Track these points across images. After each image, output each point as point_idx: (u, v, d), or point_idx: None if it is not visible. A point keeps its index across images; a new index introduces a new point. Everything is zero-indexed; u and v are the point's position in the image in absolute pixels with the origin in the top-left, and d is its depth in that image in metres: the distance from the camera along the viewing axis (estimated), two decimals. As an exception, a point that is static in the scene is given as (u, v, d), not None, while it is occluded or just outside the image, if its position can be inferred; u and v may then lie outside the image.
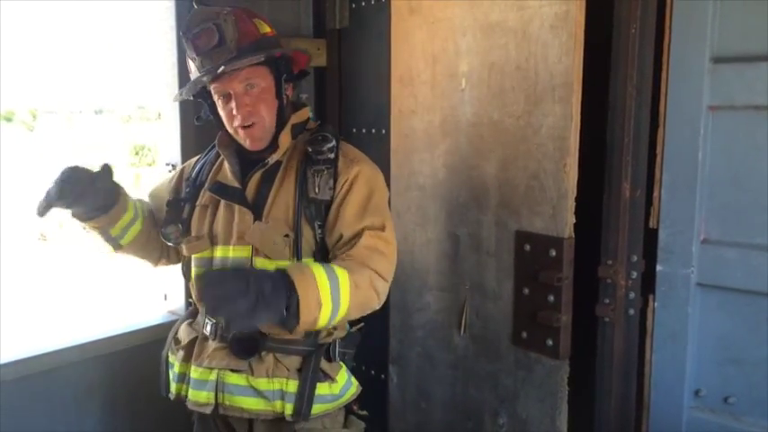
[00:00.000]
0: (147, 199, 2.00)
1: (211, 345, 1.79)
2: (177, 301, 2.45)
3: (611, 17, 1.89)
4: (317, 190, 1.71)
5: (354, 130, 2.60)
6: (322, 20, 2.66)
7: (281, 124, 1.77)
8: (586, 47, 1.87)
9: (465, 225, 2.16)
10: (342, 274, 1.60)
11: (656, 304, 1.94)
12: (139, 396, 2.34)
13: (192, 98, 1.80)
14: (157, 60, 2.40)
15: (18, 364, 2.07)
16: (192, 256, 1.83)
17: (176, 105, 2.35)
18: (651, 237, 1.93)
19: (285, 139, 1.77)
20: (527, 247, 2.00)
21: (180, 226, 1.83)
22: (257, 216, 1.74)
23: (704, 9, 1.79)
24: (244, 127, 1.71)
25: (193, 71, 1.72)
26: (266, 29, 1.75)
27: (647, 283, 1.95)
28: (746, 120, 1.78)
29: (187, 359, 1.84)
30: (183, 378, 1.85)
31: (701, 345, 1.90)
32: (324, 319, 1.57)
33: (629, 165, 1.90)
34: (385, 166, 2.35)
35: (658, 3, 1.85)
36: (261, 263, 1.72)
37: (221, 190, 1.80)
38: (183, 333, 1.90)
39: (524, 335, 2.03)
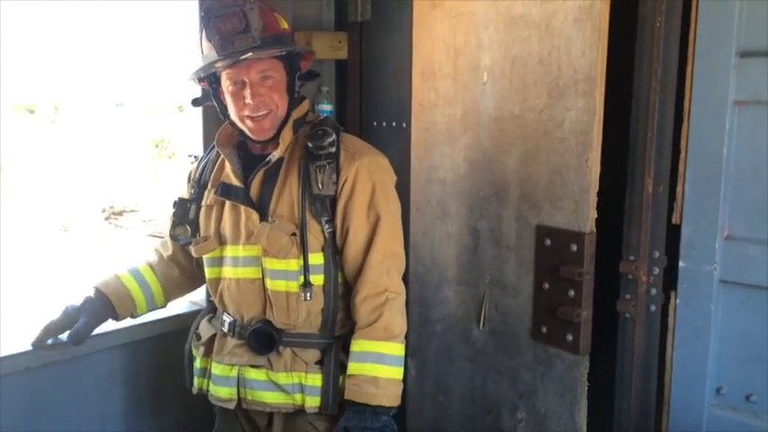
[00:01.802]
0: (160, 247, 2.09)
1: (230, 341, 1.84)
2: (198, 292, 2.47)
3: (635, 10, 1.88)
4: (320, 185, 1.72)
5: (375, 124, 2.61)
6: (344, 13, 2.66)
7: (285, 120, 1.78)
8: (610, 41, 1.86)
9: (485, 219, 2.16)
10: (379, 347, 1.73)
11: (677, 301, 1.92)
12: (161, 385, 2.37)
13: (196, 80, 1.79)
14: (180, 53, 2.41)
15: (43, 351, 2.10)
16: (204, 257, 1.87)
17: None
18: (674, 233, 1.92)
19: (287, 135, 1.77)
20: (548, 242, 1.99)
21: (188, 227, 1.86)
22: (263, 215, 1.76)
23: (731, 2, 1.76)
24: (252, 117, 1.72)
25: (207, 52, 1.70)
26: (284, 24, 1.77)
27: (669, 280, 1.93)
28: (773, 115, 1.76)
29: (208, 354, 1.89)
30: (205, 373, 1.90)
31: (723, 342, 1.88)
32: (401, 374, 1.78)
33: (652, 160, 1.88)
34: (405, 160, 2.35)
35: (684, -4, 1.83)
36: (269, 263, 1.76)
37: (226, 191, 1.82)
38: (204, 329, 1.95)
39: (544, 330, 2.02)
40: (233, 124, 1.79)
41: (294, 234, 1.74)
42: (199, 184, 1.90)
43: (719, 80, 1.80)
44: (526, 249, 2.06)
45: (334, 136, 1.74)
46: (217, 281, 1.87)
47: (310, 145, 1.73)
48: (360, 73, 2.65)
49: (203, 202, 1.88)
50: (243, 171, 1.81)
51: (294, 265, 1.75)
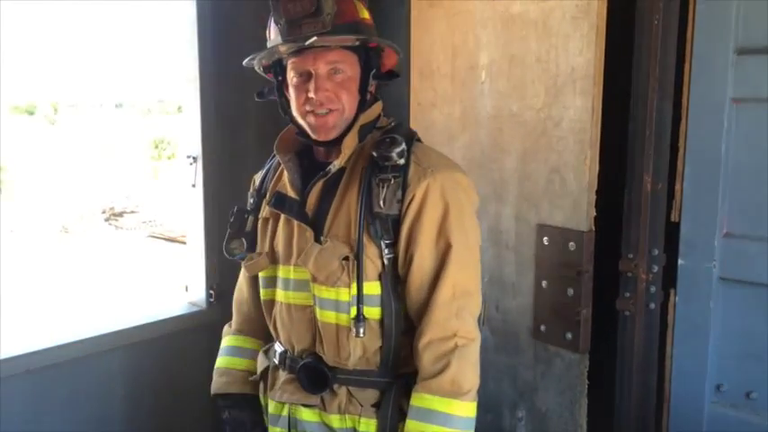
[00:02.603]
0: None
1: (282, 375, 1.62)
2: (198, 293, 2.47)
3: (633, 8, 1.88)
4: (382, 203, 1.45)
5: (374, 123, 2.61)
6: (341, 13, 2.65)
7: (351, 124, 1.53)
8: (608, 39, 1.86)
9: (484, 218, 2.16)
10: (445, 405, 1.43)
11: (677, 298, 1.92)
12: (161, 386, 2.37)
13: (261, 70, 1.60)
14: (179, 54, 2.42)
15: (43, 353, 2.10)
16: (259, 275, 1.65)
17: (197, 98, 2.37)
18: (673, 230, 1.92)
19: (350, 141, 1.51)
20: (547, 241, 1.99)
21: (244, 240, 1.65)
22: (317, 233, 1.51)
23: (729, 0, 1.77)
24: (316, 114, 1.49)
25: (273, 37, 1.50)
26: (365, 14, 1.53)
27: (669, 277, 1.94)
28: (771, 112, 1.76)
29: (264, 390, 1.69)
30: (266, 410, 1.70)
31: (722, 339, 1.88)
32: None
33: (650, 158, 1.89)
34: (404, 159, 2.35)
35: (681, -6, 1.83)
36: (318, 290, 1.51)
37: (280, 202, 1.59)
38: (259, 362, 1.73)
39: (543, 328, 2.03)
40: (294, 122, 1.56)
41: (347, 258, 1.47)
42: (259, 194, 1.68)
43: (717, 78, 1.80)
44: (525, 248, 2.06)
45: (403, 145, 1.46)
46: (271, 303, 1.64)
47: (375, 155, 1.47)
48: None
49: (261, 214, 1.66)
50: (302, 181, 1.58)
51: (345, 294, 1.48)
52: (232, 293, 2.48)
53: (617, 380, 2.01)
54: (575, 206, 1.93)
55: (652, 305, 1.95)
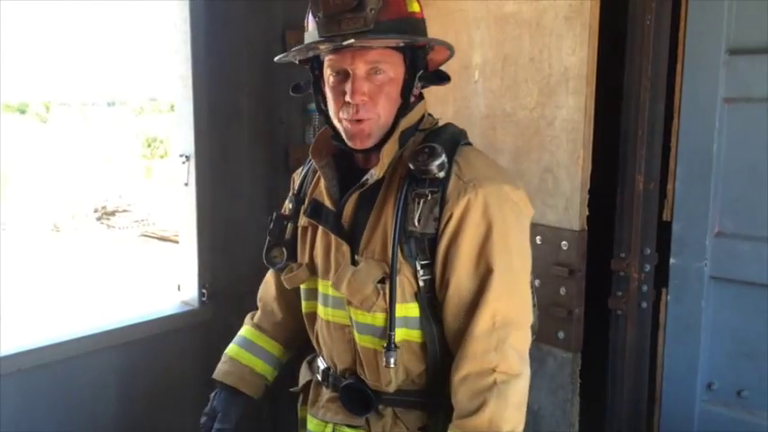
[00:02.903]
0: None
1: (325, 392, 1.52)
2: (191, 292, 2.47)
3: (626, 9, 1.88)
4: (417, 221, 1.30)
5: (367, 122, 2.61)
6: (335, 12, 2.65)
7: (391, 130, 1.36)
8: (601, 39, 1.87)
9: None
10: None
11: (668, 297, 1.93)
12: (154, 385, 2.36)
13: (297, 61, 1.44)
14: (171, 53, 2.41)
15: (35, 352, 2.09)
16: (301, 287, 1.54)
17: (190, 97, 2.36)
18: (665, 229, 1.93)
19: (389, 150, 1.35)
20: (540, 240, 1.99)
21: (284, 249, 1.53)
22: (354, 248, 1.38)
23: (720, 1, 1.78)
24: (352, 121, 1.33)
25: (311, 31, 1.35)
26: (415, 6, 1.35)
27: (661, 276, 1.95)
28: (762, 112, 1.77)
29: (305, 403, 1.60)
30: (303, 423, 1.61)
31: (713, 338, 1.89)
32: None
33: (643, 157, 1.89)
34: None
35: (674, -6, 1.84)
36: (354, 313, 1.38)
37: (316, 213, 1.45)
38: (302, 373, 1.64)
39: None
40: (330, 123, 1.41)
41: (383, 281, 1.34)
42: (297, 198, 1.54)
43: (709, 78, 1.81)
44: (518, 247, 2.06)
45: (443, 157, 1.29)
46: (313, 317, 1.52)
47: (412, 167, 1.30)
48: (351, 72, 2.65)
49: (300, 222, 1.53)
50: (340, 188, 1.43)
51: (381, 319, 1.36)
52: (225, 293, 2.49)
53: (609, 378, 2.02)
54: (567, 205, 1.93)
55: (644, 304, 1.95)
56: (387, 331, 1.33)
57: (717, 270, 1.86)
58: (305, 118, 2.66)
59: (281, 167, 2.64)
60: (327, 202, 1.43)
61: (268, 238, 1.54)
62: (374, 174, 1.35)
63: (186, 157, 2.40)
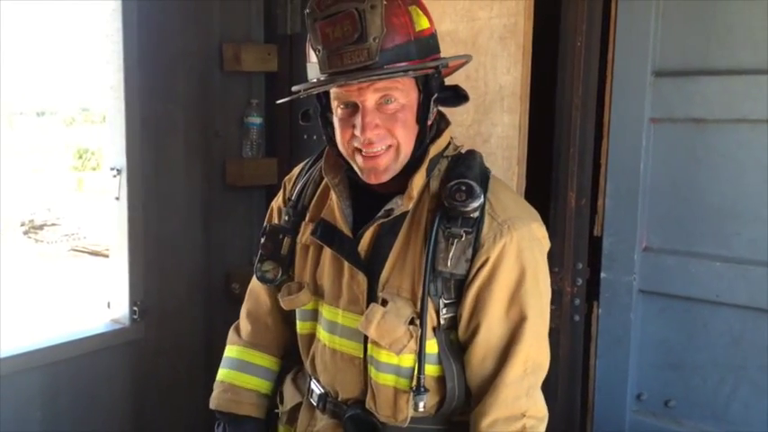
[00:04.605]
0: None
1: (320, 418, 1.43)
2: (121, 310, 2.39)
3: (557, 30, 1.94)
4: (449, 262, 1.23)
5: (305, 137, 2.59)
6: (273, 25, 2.64)
7: (416, 158, 1.27)
8: (534, 59, 1.91)
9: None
10: None
11: (600, 310, 1.98)
12: (82, 407, 2.27)
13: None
14: (103, 62, 2.34)
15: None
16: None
17: (122, 108, 2.30)
18: (595, 245, 1.98)
19: (418, 181, 1.26)
20: (476, 255, 2.02)
21: (279, 266, 1.43)
22: (372, 280, 1.30)
23: (646, 25, 1.85)
24: (365, 155, 1.24)
25: (312, 63, 1.25)
26: (423, 23, 1.24)
27: (592, 290, 2.00)
28: (685, 132, 1.84)
29: (291, 423, 1.50)
30: None
31: (642, 350, 1.95)
32: None
33: (574, 174, 1.94)
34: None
35: (603, 17, 1.90)
36: (378, 353, 1.29)
37: (327, 236, 1.34)
38: (287, 392, 1.54)
39: (473, 341, 2.05)
40: (341, 156, 1.32)
41: (413, 323, 1.26)
42: (295, 211, 1.43)
43: (636, 98, 1.88)
44: (455, 262, 2.08)
45: (482, 199, 1.22)
46: (309, 338, 1.43)
47: (447, 205, 1.23)
48: (290, 85, 2.62)
49: (299, 238, 1.42)
50: (354, 214, 1.33)
51: (410, 361, 1.28)
52: (156, 310, 2.42)
53: (543, 390, 2.04)
54: (503, 221, 1.96)
55: (576, 317, 2.00)
56: (414, 373, 1.27)
57: (645, 284, 1.92)
58: (242, 131, 2.62)
59: (218, 182, 2.60)
60: (342, 227, 1.33)
61: (260, 251, 1.44)
62: (400, 204, 1.27)
63: (117, 170, 2.33)
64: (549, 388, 2.01)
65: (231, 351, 1.57)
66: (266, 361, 1.56)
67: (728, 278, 1.79)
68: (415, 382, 1.27)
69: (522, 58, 1.89)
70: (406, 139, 1.24)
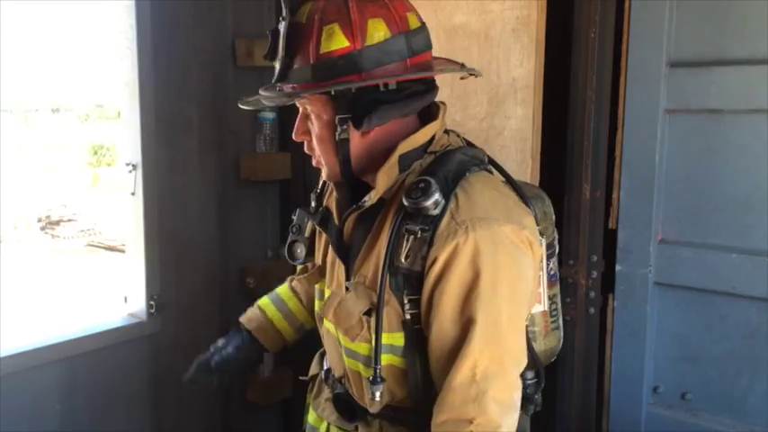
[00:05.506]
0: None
1: (326, 391, 1.52)
2: (138, 304, 2.41)
3: (571, 22, 1.93)
4: (405, 257, 1.23)
5: (318, 132, 2.60)
6: (286, 20, 2.64)
7: (371, 164, 1.29)
8: (548, 51, 1.90)
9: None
10: None
11: (615, 303, 1.97)
12: (99, 401, 2.30)
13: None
14: (117, 59, 2.36)
15: (-28, 369, 2.02)
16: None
17: (136, 104, 2.31)
18: (611, 237, 1.97)
19: (384, 179, 1.26)
20: (490, 248, 2.02)
21: (303, 246, 1.54)
22: (349, 269, 1.35)
23: (661, 15, 1.83)
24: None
25: None
26: (336, 43, 1.21)
27: (607, 283, 1.99)
28: (701, 123, 1.83)
29: (310, 392, 1.61)
30: (308, 410, 1.62)
31: (658, 342, 1.94)
32: None
33: (588, 167, 1.93)
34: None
35: (617, 8, 1.89)
36: (342, 339, 1.36)
37: (324, 221, 1.42)
38: (313, 363, 1.64)
39: (487, 334, 2.05)
40: None
41: (369, 313, 1.29)
42: (319, 197, 1.51)
43: (651, 90, 1.86)
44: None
45: (436, 196, 1.19)
46: (321, 317, 1.51)
47: (406, 203, 1.22)
48: (303, 80, 2.64)
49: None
50: (350, 202, 1.37)
51: (365, 349, 1.32)
52: (173, 304, 2.44)
53: (558, 383, 2.05)
54: (517, 214, 1.96)
55: (592, 310, 1.99)
56: (371, 363, 1.28)
57: (660, 276, 1.91)
58: (255, 126, 2.63)
59: (232, 177, 2.61)
60: (335, 215, 1.39)
61: (290, 233, 1.55)
62: (370, 198, 1.28)
63: (133, 165, 2.35)
64: (564, 380, 2.03)
65: (279, 288, 1.74)
66: (297, 309, 1.70)
67: (745, 270, 1.78)
68: (372, 372, 1.29)
69: (536, 50, 1.88)
70: (323, 151, 1.30)
